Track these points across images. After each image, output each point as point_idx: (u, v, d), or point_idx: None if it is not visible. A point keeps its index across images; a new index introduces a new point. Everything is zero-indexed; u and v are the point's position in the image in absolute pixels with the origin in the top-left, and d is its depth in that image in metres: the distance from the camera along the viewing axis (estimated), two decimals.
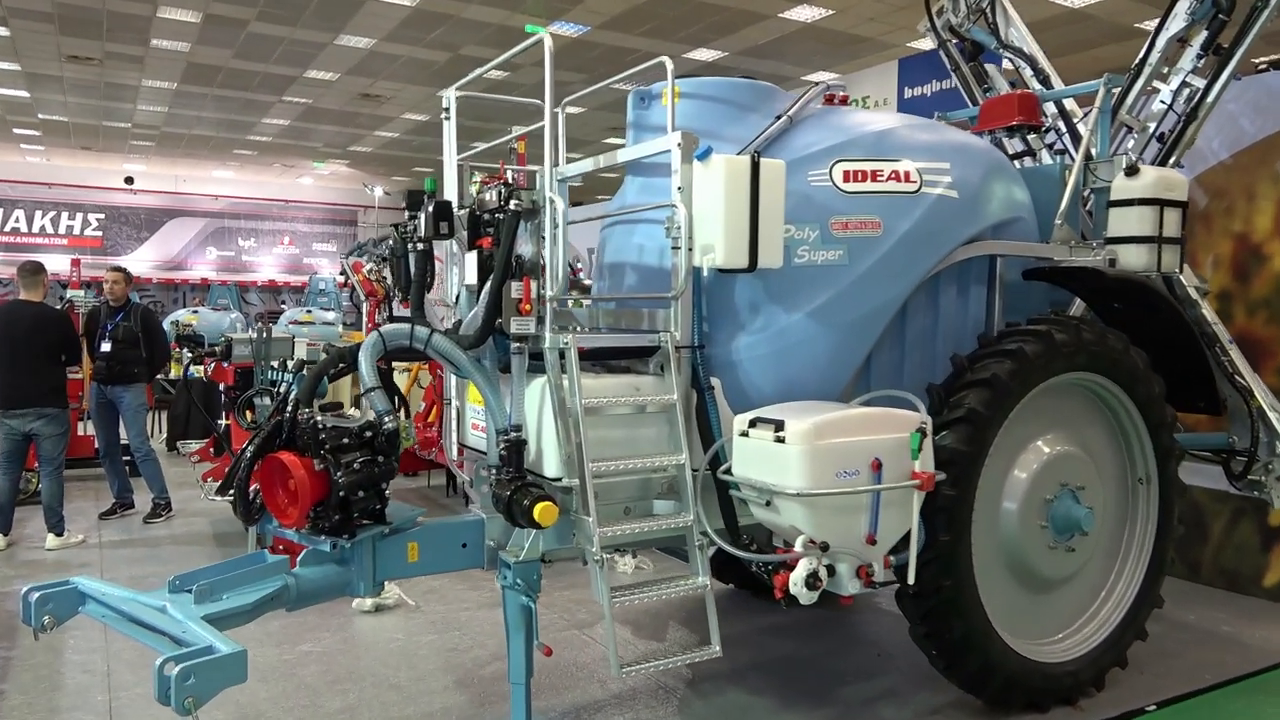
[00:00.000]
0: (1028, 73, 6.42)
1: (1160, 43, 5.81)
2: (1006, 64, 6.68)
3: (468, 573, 4.54)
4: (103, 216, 32.47)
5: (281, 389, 5.77)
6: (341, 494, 3.49)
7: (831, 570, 3.56)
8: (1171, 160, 5.74)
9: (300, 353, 7.25)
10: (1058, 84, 6.26)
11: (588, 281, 6.63)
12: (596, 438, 3.68)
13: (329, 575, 3.73)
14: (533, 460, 3.87)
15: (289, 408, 3.64)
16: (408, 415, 7.79)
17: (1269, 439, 5.38)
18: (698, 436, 3.95)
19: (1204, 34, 5.60)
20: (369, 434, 3.59)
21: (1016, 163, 5.88)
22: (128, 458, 8.64)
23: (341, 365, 3.92)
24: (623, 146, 4.49)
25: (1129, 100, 5.81)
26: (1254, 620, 5.83)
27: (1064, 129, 6.09)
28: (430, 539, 3.96)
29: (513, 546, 3.97)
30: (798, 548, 3.52)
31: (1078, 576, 4.69)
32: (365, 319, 10.96)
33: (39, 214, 31.53)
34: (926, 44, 16.20)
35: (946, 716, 4.44)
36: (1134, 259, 4.98)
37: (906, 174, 4.28)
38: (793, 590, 3.49)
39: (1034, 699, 4.39)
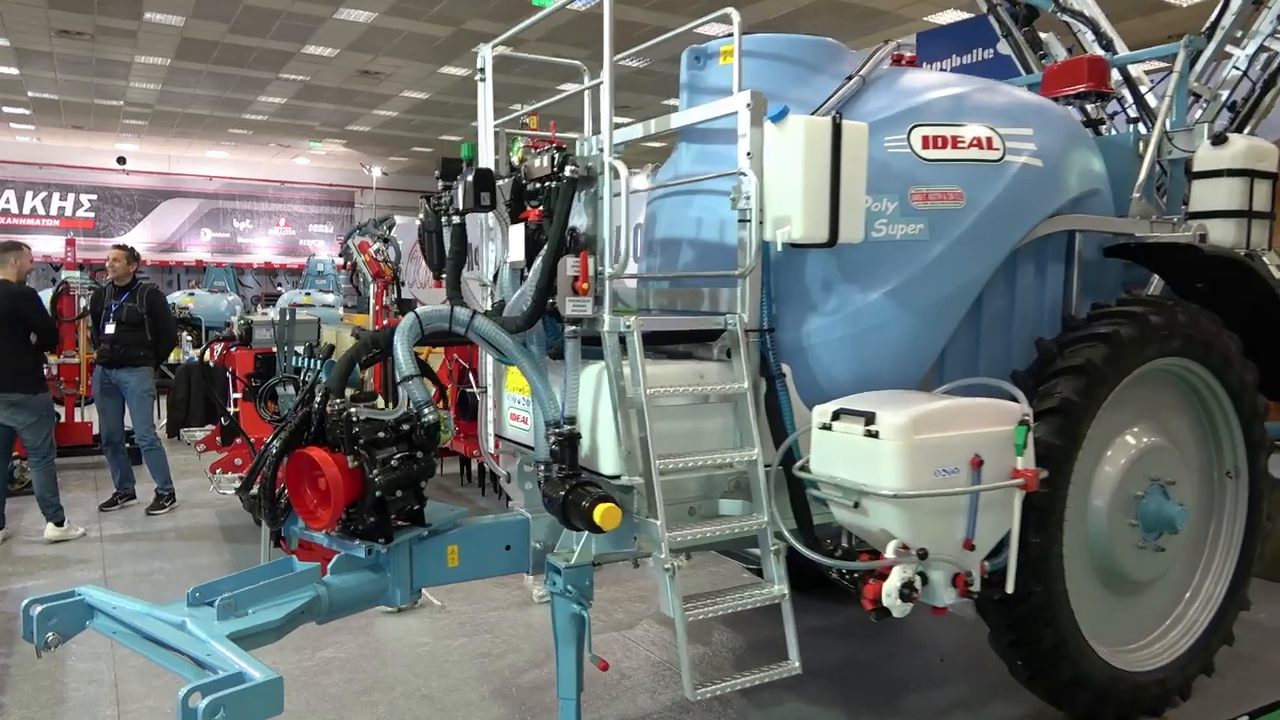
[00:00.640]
0: (1088, 37, 6.05)
1: (1235, 5, 5.45)
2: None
3: None
4: (95, 197, 31.99)
5: (308, 377, 5.35)
6: (378, 494, 3.12)
7: (924, 578, 3.20)
8: (1246, 131, 5.39)
9: (327, 337, 6.77)
10: (1121, 49, 5.88)
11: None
12: (659, 431, 3.30)
13: (363, 583, 3.35)
14: (586, 456, 3.49)
15: (317, 398, 3.27)
16: (447, 405, 7.28)
17: None
18: (767, 429, 3.59)
19: None
20: (406, 427, 3.22)
21: None
22: (130, 446, 8.24)
23: (375, 351, 3.53)
24: (673, 112, 4.08)
25: (1198, 67, 5.45)
26: None
27: (1129, 98, 5.72)
28: (471, 541, 3.60)
29: (562, 549, 3.63)
30: (890, 554, 3.16)
31: (1164, 577, 4.36)
32: (373, 301, 10.53)
33: (30, 195, 31.08)
34: (944, 18, 15.91)
35: None
36: (1221, 234, 4.62)
37: (989, 140, 3.90)
38: (885, 602, 3.12)
39: (1122, 712, 4.06)
